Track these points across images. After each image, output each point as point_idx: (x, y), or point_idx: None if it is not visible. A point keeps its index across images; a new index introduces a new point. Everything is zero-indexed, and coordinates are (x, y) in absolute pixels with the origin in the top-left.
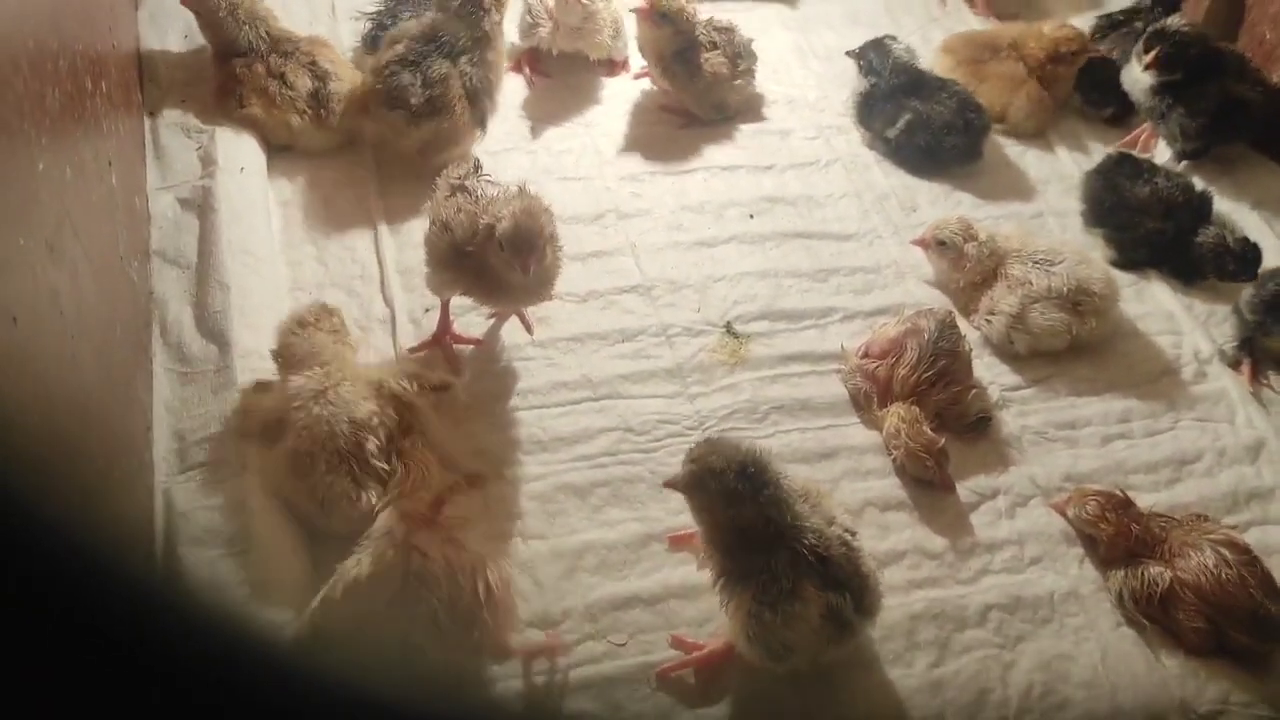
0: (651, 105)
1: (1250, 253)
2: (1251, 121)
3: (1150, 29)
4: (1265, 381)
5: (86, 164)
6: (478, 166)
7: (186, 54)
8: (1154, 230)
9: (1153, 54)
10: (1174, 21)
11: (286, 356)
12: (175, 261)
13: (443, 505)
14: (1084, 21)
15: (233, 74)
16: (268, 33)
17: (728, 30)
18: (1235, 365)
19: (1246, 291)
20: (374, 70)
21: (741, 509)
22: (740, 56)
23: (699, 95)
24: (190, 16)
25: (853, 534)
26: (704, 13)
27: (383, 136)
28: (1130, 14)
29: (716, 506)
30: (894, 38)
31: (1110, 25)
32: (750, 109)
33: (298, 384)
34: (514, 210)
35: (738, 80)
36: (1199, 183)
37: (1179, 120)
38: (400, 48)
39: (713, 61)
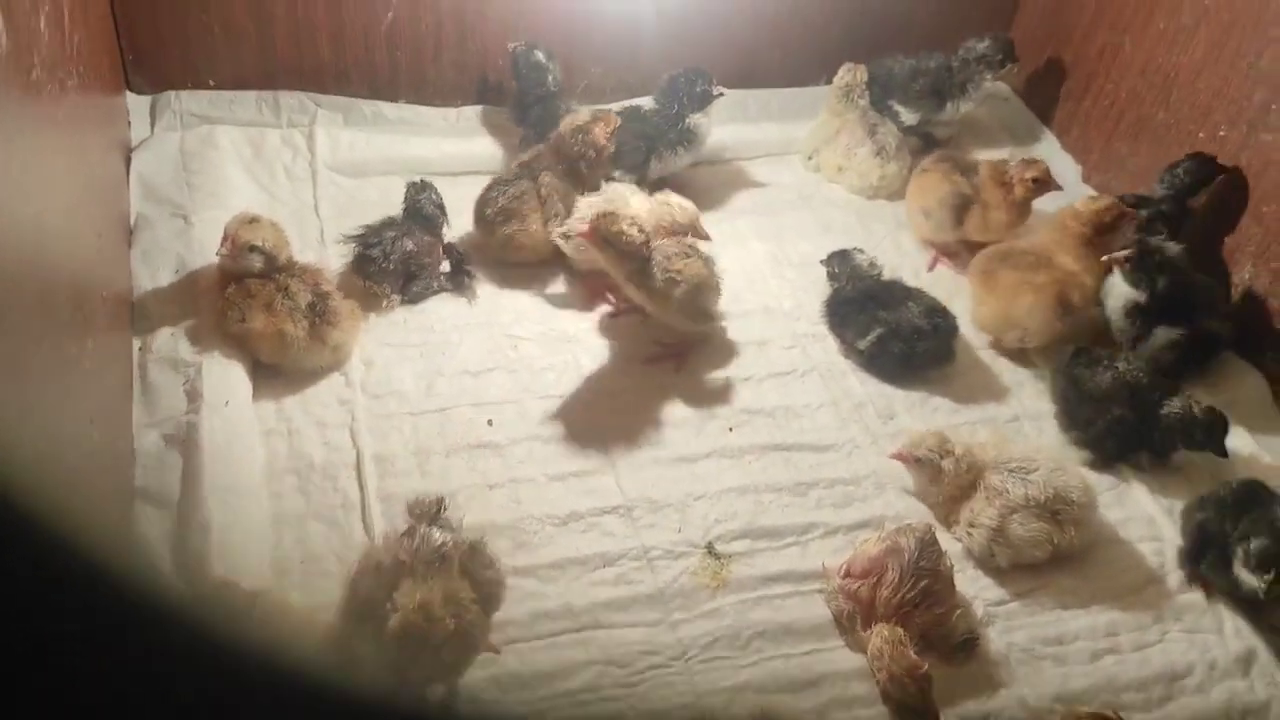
0: (631, 316)
1: (1216, 422)
2: (1218, 349)
3: (1137, 244)
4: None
5: (65, 425)
6: None
7: (178, 287)
8: (1119, 417)
9: (1127, 254)
10: (1168, 245)
11: None
12: (157, 501)
13: None
14: None
15: (239, 290)
16: (283, 261)
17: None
18: (1192, 580)
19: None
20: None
21: None
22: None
23: (683, 303)
24: (182, 250)
25: None
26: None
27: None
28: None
29: None
30: (860, 249)
31: None
32: (730, 344)
33: None
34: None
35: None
36: None
37: (1153, 354)
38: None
39: (692, 265)
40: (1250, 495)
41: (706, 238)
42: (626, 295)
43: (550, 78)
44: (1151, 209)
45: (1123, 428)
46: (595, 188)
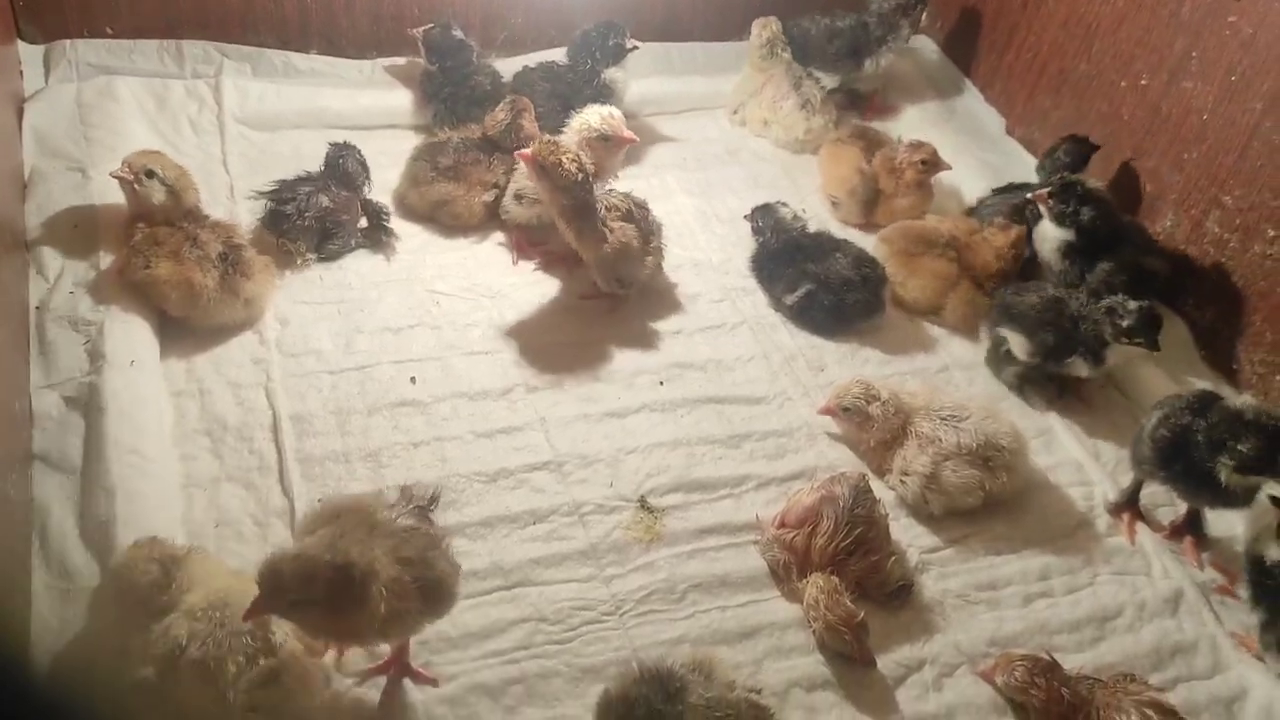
0: (554, 275)
1: (1144, 310)
2: (1159, 288)
3: (1058, 180)
4: (1166, 535)
5: None
6: None
7: (76, 242)
8: (1049, 320)
9: (1047, 189)
10: (1089, 180)
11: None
12: (59, 466)
13: None
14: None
15: (145, 236)
16: (189, 205)
17: (642, 206)
18: (1116, 515)
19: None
20: None
21: None
22: (652, 233)
23: (602, 264)
24: (80, 204)
25: (757, 691)
26: (622, 184)
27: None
28: (1023, 186)
29: None
30: (784, 203)
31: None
32: (652, 287)
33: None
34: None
35: (648, 256)
36: None
37: (1098, 287)
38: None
39: (625, 230)
40: (1209, 399)
41: (632, 139)
42: (559, 235)
43: (473, 54)
44: (1018, 198)
45: (1057, 321)
46: None
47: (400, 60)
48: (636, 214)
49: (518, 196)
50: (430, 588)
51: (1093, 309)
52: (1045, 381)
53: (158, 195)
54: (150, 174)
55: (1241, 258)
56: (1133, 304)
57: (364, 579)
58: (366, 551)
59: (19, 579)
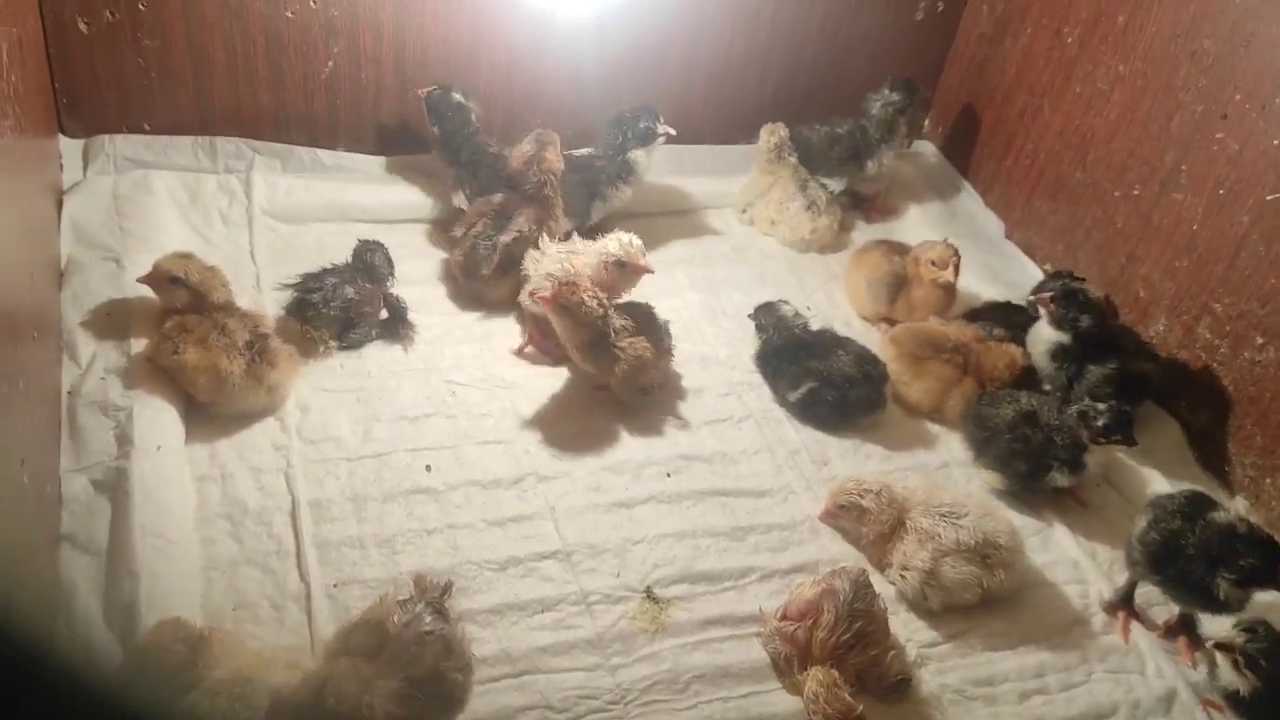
0: (567, 366)
1: (1114, 410)
2: (1150, 390)
3: (1060, 286)
4: (1160, 634)
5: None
6: None
7: (109, 329)
8: (1023, 435)
9: (1048, 297)
10: (1089, 288)
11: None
12: (86, 547)
13: None
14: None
15: (175, 324)
16: (218, 301)
17: (649, 313)
18: (1111, 614)
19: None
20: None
21: None
22: (662, 338)
23: (622, 379)
24: (114, 294)
25: None
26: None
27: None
28: (1019, 309)
29: None
30: (786, 301)
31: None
32: (669, 388)
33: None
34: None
35: (661, 361)
36: None
37: (1088, 392)
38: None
39: (636, 348)
40: (1200, 503)
41: (649, 270)
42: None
43: (473, 115)
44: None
45: (1027, 445)
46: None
47: (423, 156)
48: (645, 325)
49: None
50: (442, 700)
51: (1065, 418)
52: (1033, 492)
53: (181, 299)
54: (174, 280)
55: (1232, 363)
56: (1101, 405)
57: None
58: (357, 695)
59: (43, 657)
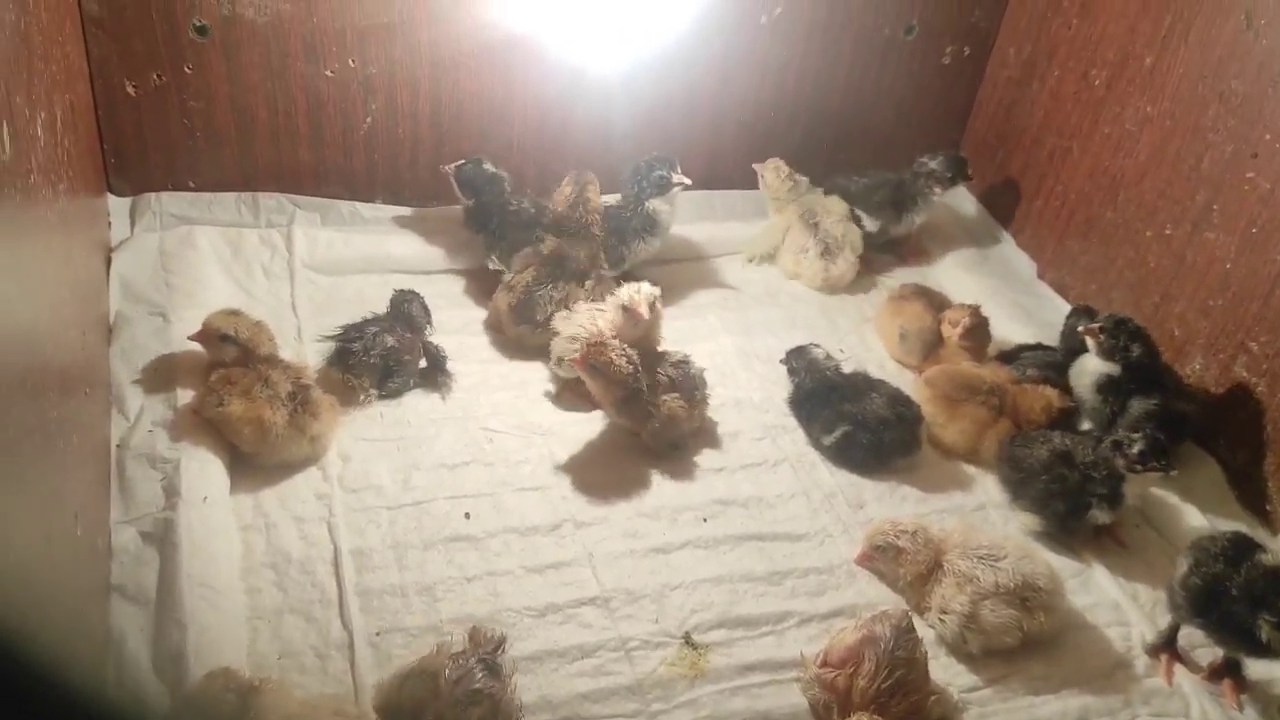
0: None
1: (1149, 437)
2: (1190, 430)
3: (1108, 316)
4: (1205, 677)
5: (53, 527)
6: None
7: (156, 383)
8: (1059, 475)
9: (1095, 326)
10: (1121, 314)
11: None
12: (134, 598)
13: None
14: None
15: (220, 377)
16: (264, 355)
17: (683, 364)
18: (1154, 656)
19: (1174, 578)
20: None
21: None
22: (696, 389)
23: (654, 435)
24: (160, 348)
25: None
26: (668, 325)
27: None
28: (1039, 346)
29: None
30: (817, 344)
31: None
32: (704, 433)
33: None
34: None
35: (696, 410)
36: None
37: (1132, 426)
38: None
39: (670, 405)
40: (1243, 545)
41: (643, 317)
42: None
43: (505, 184)
44: (1048, 356)
45: (1064, 484)
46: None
47: (457, 208)
48: (679, 379)
49: (573, 339)
50: None
51: (1100, 451)
52: (1072, 533)
53: (230, 354)
54: (225, 337)
55: (1270, 401)
56: (1135, 434)
57: None
58: None
59: (99, 708)
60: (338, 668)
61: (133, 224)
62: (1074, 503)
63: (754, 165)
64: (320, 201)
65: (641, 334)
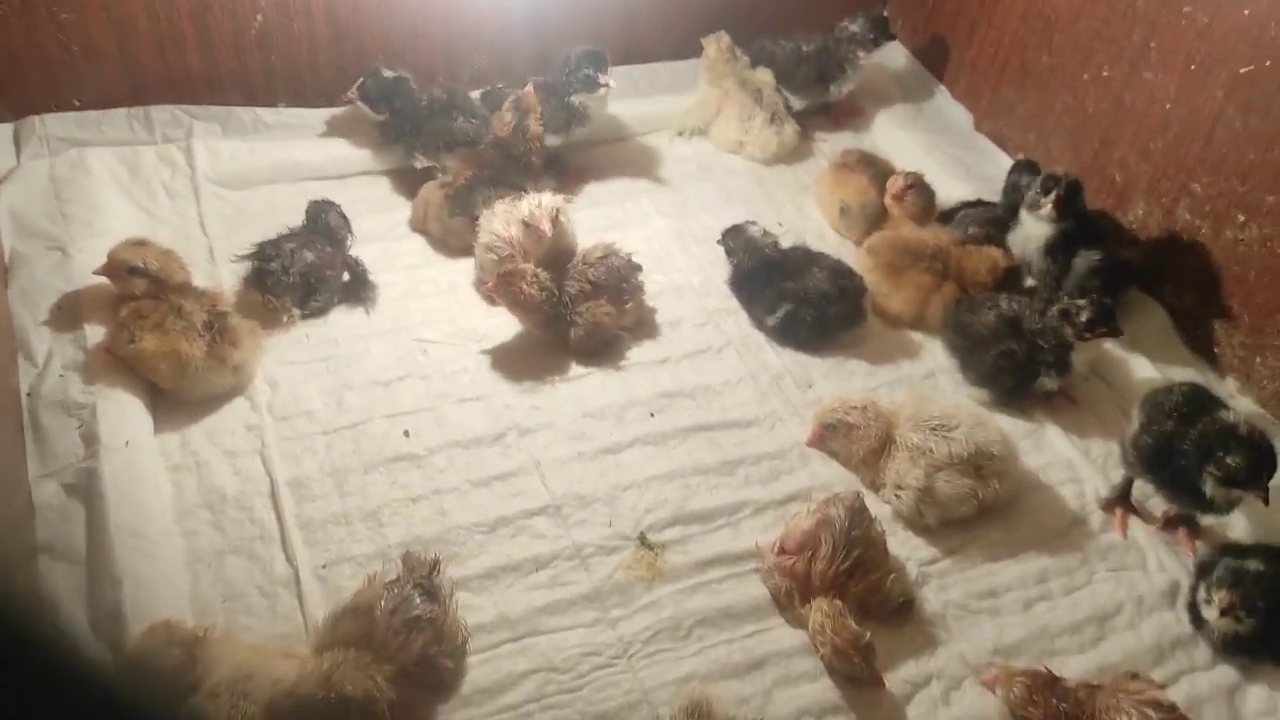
0: None
1: (1096, 303)
2: (1134, 277)
3: (1044, 175)
4: (1160, 526)
5: None
6: None
7: (62, 323)
8: (1007, 350)
9: (1054, 194)
10: (1059, 171)
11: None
12: (65, 556)
13: None
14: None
15: (129, 311)
16: (177, 284)
17: (606, 258)
18: (1108, 511)
19: (1126, 435)
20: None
21: None
22: (625, 281)
23: (579, 345)
24: (63, 285)
25: None
26: (580, 220)
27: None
28: (979, 202)
29: None
30: (753, 222)
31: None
32: (643, 324)
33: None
34: None
35: (628, 304)
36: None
37: (1078, 283)
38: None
39: (592, 313)
40: (1197, 400)
41: (545, 234)
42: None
43: (410, 82)
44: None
45: (1012, 360)
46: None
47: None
48: (602, 278)
49: (488, 249)
50: (432, 686)
51: (1047, 321)
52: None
53: (139, 287)
54: (132, 270)
55: (1214, 244)
56: (1081, 301)
57: (363, 712)
58: (363, 681)
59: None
60: (286, 605)
61: (18, 152)
62: (1023, 376)
63: (702, 39)
64: (218, 110)
65: (549, 247)
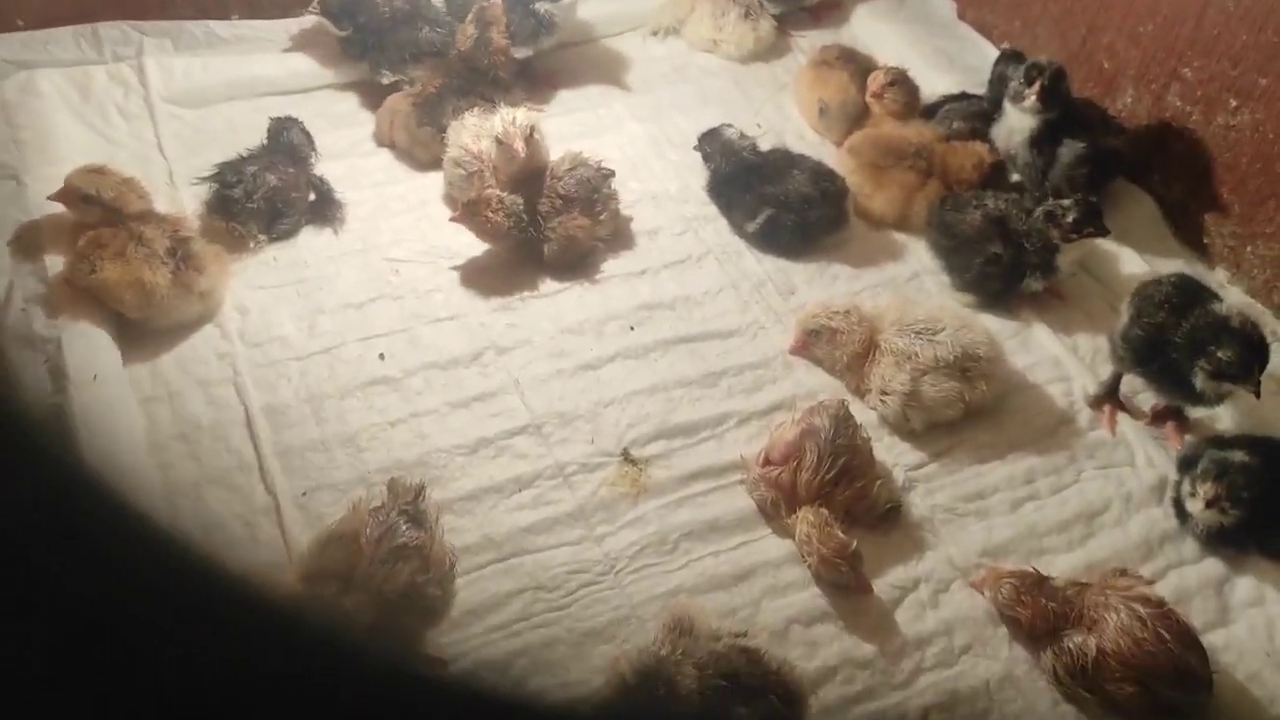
0: None
1: (1081, 203)
2: (1121, 167)
3: (1027, 64)
4: (1148, 421)
5: None
6: None
7: (20, 255)
8: (993, 255)
9: (1037, 84)
10: (1043, 59)
11: None
12: None
13: None
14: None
15: (89, 240)
16: (137, 211)
17: (576, 168)
18: (1096, 408)
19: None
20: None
21: None
22: (597, 190)
23: (553, 260)
24: (19, 215)
25: (743, 634)
26: (551, 129)
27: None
28: (963, 96)
29: None
30: (730, 124)
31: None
32: (620, 235)
33: None
34: None
35: (601, 215)
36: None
37: (1064, 174)
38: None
39: (565, 228)
40: (1187, 290)
41: (518, 153)
42: None
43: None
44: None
45: (998, 265)
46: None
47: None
48: (573, 190)
49: (456, 164)
50: (421, 614)
51: (1033, 223)
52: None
53: (95, 216)
54: (87, 199)
55: (1205, 130)
56: (1066, 201)
57: None
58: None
59: None
60: (267, 534)
61: None
62: (1009, 280)
63: None
64: (168, 25)
65: (521, 166)
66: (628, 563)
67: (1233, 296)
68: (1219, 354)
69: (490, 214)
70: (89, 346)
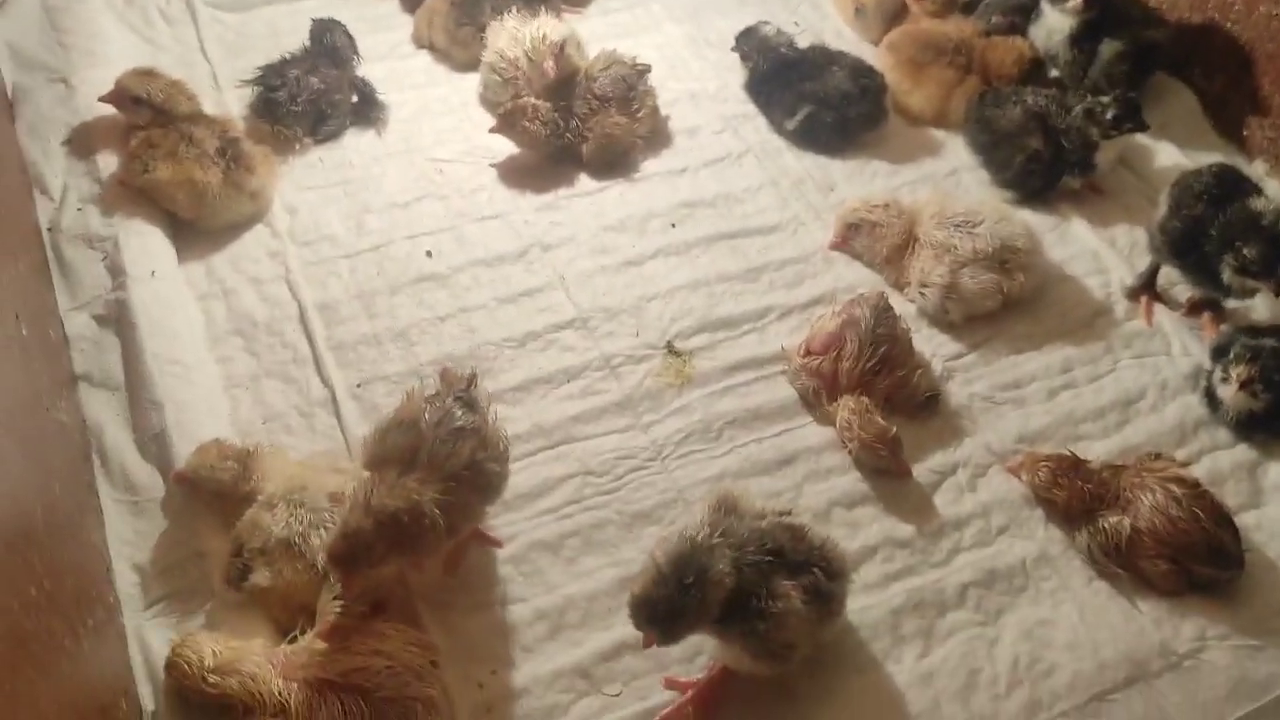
0: None
1: (1120, 98)
2: (1162, 60)
3: None
4: (1185, 312)
5: None
6: None
7: (74, 156)
8: (1035, 153)
9: None
10: None
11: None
12: (104, 384)
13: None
14: None
15: (140, 141)
16: (185, 113)
17: (611, 67)
18: (1133, 299)
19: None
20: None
21: (701, 614)
22: (633, 89)
23: (593, 160)
24: (69, 117)
25: (787, 512)
26: (588, 31)
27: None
28: None
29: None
30: (767, 21)
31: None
32: (659, 134)
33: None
34: None
35: (639, 112)
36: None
37: (1104, 71)
38: None
39: (603, 125)
40: (1227, 181)
41: (548, 75)
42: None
43: None
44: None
45: (1039, 161)
46: None
47: None
48: (609, 90)
49: (492, 69)
50: (482, 489)
51: (1072, 120)
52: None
53: (145, 117)
54: (137, 101)
55: (1247, 20)
56: (1105, 98)
57: (413, 518)
58: (400, 493)
59: (88, 499)
60: (324, 424)
61: None
62: (1049, 177)
63: None
64: None
65: (556, 77)
66: (674, 449)
67: (1271, 189)
68: (1245, 250)
69: (527, 123)
70: (145, 244)
